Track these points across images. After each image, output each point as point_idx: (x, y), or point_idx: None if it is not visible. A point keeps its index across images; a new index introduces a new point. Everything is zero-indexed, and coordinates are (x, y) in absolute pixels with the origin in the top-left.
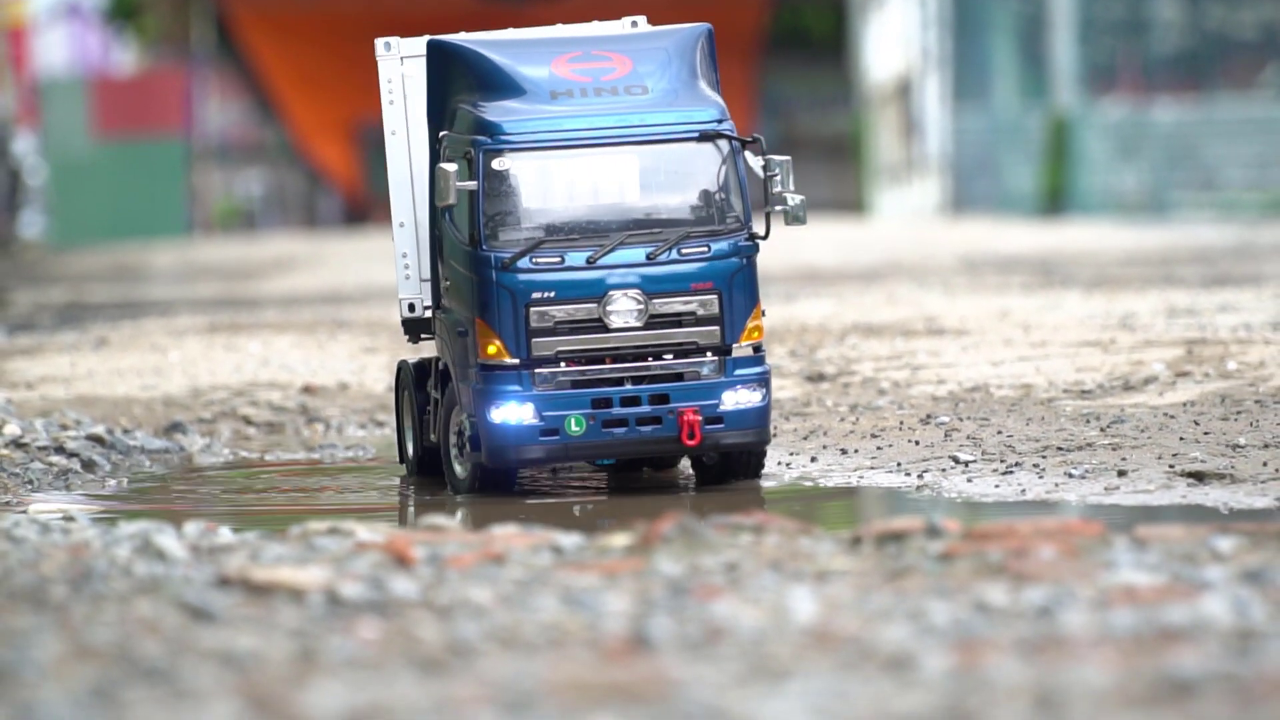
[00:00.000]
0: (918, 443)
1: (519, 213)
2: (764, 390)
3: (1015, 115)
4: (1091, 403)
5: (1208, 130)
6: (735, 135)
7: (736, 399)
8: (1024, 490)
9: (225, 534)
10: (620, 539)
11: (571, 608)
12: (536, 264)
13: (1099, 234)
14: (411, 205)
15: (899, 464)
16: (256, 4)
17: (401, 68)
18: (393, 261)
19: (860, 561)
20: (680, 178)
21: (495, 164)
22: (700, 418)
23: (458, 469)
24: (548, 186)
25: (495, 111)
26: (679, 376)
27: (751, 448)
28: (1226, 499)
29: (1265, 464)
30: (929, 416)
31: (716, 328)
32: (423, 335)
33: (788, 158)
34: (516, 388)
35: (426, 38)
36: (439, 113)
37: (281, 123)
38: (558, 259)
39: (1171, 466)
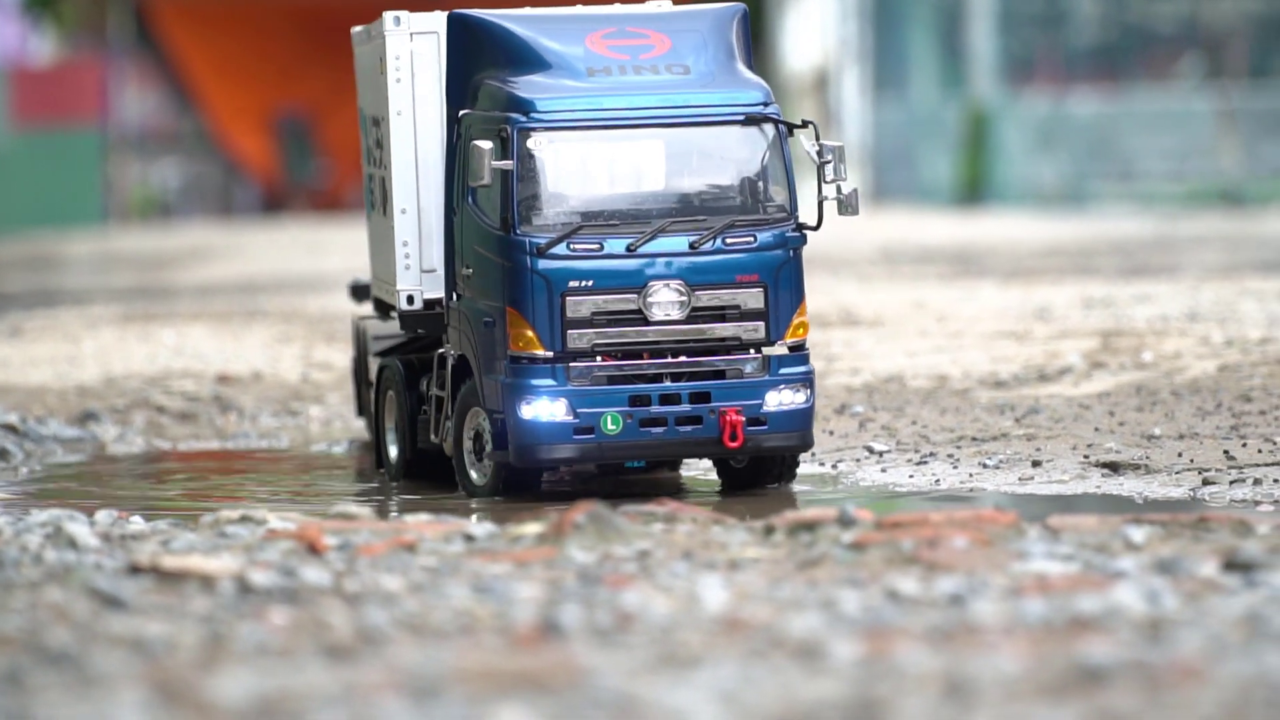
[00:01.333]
0: (832, 433)
1: (554, 196)
2: (809, 391)
3: (934, 107)
4: (1007, 393)
5: (1126, 122)
6: (782, 119)
7: (780, 399)
8: (938, 480)
9: (138, 522)
10: (532, 527)
11: (482, 596)
12: (574, 250)
13: (1017, 225)
14: (415, 190)
15: (813, 454)
16: None
17: (411, 44)
18: (313, 251)
19: (773, 550)
20: (724, 163)
21: (530, 143)
22: (743, 418)
23: (473, 473)
24: (585, 168)
25: (529, 88)
26: (720, 374)
27: (794, 451)
28: (1141, 489)
29: (1180, 454)
30: (843, 407)
31: (761, 323)
32: (420, 330)
33: (841, 144)
34: (550, 382)
35: (440, 12)
36: (460, 90)
37: (199, 112)
38: (596, 246)
39: (1086, 457)
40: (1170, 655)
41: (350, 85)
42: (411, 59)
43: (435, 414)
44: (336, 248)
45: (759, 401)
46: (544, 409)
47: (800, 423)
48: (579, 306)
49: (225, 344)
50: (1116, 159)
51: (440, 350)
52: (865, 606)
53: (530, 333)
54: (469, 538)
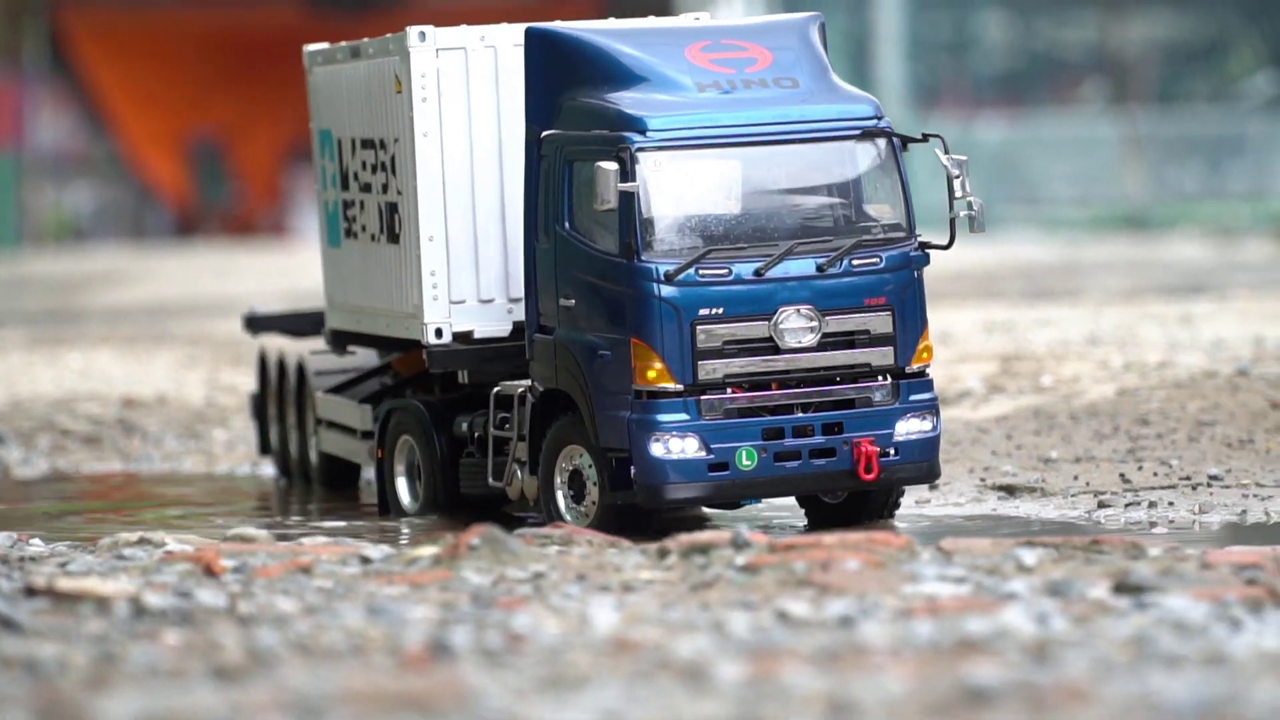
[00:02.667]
0: None
1: (676, 218)
2: (935, 418)
3: None
4: None
5: (1032, 147)
6: (898, 133)
7: (908, 428)
8: None
9: (37, 544)
10: (428, 550)
11: (374, 617)
12: (702, 276)
13: None
14: (443, 217)
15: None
16: (90, 19)
17: (437, 61)
18: (223, 275)
19: (666, 573)
20: (842, 179)
21: (650, 163)
22: (876, 449)
23: (569, 516)
24: (707, 188)
25: (640, 105)
26: (850, 403)
27: (922, 482)
28: (1037, 511)
29: (1076, 477)
30: None
31: (890, 348)
32: (451, 368)
33: (964, 157)
34: (682, 417)
35: (467, 27)
36: (543, 108)
37: (112, 137)
38: (724, 271)
39: (983, 480)
40: (1056, 676)
41: (265, 109)
42: (438, 77)
43: (492, 456)
44: (247, 272)
45: (889, 431)
46: (675, 446)
47: (929, 452)
48: (710, 336)
49: (132, 367)
50: (1023, 184)
51: (499, 388)
52: (755, 628)
53: (659, 365)
54: (365, 560)
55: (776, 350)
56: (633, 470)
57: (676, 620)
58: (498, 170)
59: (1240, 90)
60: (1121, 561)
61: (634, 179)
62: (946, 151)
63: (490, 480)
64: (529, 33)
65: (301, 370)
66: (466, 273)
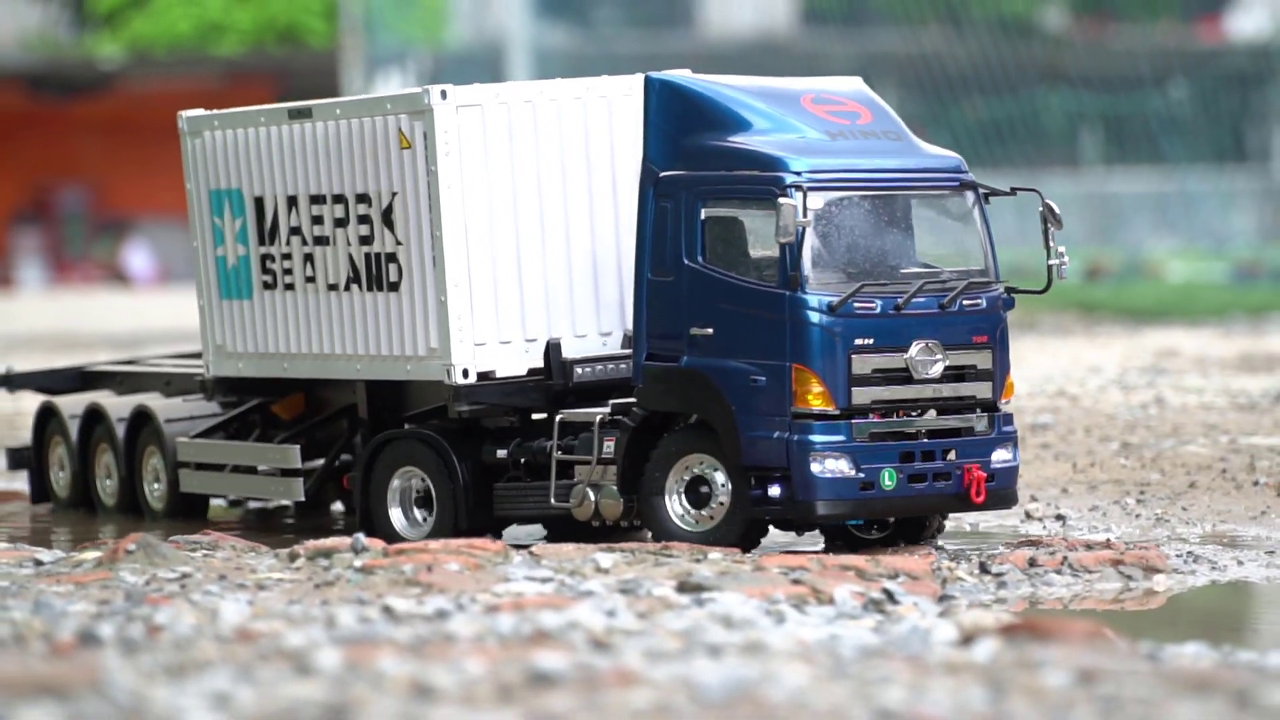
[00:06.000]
0: None
1: (823, 253)
2: (1016, 450)
3: None
4: None
5: None
6: (987, 186)
7: (1001, 456)
8: None
9: None
10: (92, 554)
11: (38, 611)
12: (858, 309)
13: None
14: (466, 264)
15: None
16: None
17: (457, 117)
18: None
19: (295, 573)
20: (943, 225)
21: (815, 202)
22: (984, 474)
23: (682, 525)
24: (845, 226)
25: (782, 147)
26: (957, 432)
27: (1006, 506)
28: None
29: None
30: None
31: (989, 383)
32: (475, 404)
33: (1059, 208)
34: (839, 438)
35: (493, 86)
36: (664, 151)
37: None
38: (872, 304)
39: None
40: (615, 662)
41: None
42: (459, 132)
43: (554, 480)
44: None
45: (988, 459)
46: (831, 465)
47: (1012, 479)
48: (863, 364)
49: None
50: None
51: (565, 415)
52: (361, 620)
53: (820, 389)
54: (38, 562)
55: (910, 380)
56: (774, 489)
57: (297, 614)
58: (513, 218)
59: None
60: (686, 564)
61: (808, 215)
62: (1044, 206)
63: (553, 501)
64: (651, 81)
65: (140, 418)
66: (488, 316)
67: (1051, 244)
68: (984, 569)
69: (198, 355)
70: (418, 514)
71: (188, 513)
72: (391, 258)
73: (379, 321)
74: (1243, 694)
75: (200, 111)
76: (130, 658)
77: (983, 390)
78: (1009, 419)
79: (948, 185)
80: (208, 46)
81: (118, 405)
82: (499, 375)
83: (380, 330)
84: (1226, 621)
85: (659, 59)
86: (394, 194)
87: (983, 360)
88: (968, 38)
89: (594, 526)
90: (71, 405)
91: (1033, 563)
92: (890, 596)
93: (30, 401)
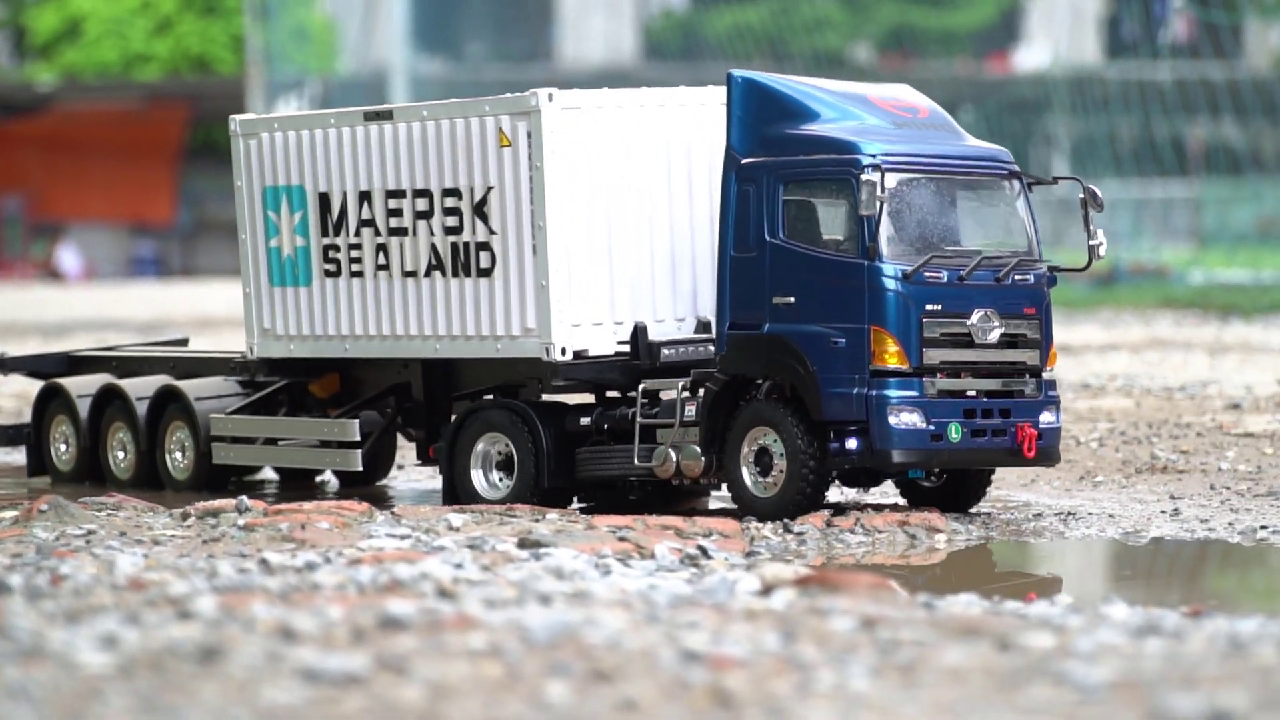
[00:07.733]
0: None
1: (901, 228)
2: (1059, 412)
3: None
4: None
5: None
6: (1030, 174)
7: (1047, 418)
8: None
9: None
10: (9, 513)
11: None
12: (928, 278)
13: None
14: (566, 253)
15: None
16: None
17: (562, 118)
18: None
19: (186, 531)
20: (994, 207)
21: (892, 181)
22: (1035, 433)
23: (755, 490)
24: (914, 204)
25: (861, 134)
26: (1011, 394)
27: (1051, 464)
28: None
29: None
30: None
31: (1037, 351)
32: (571, 380)
33: (1100, 194)
34: (913, 393)
35: (589, 91)
36: (746, 140)
37: None
38: (940, 274)
39: None
40: (457, 609)
41: None
42: (563, 132)
43: (638, 443)
44: None
45: (1036, 419)
46: (907, 418)
47: (1057, 439)
48: (933, 326)
49: None
50: None
51: (647, 384)
52: (240, 570)
53: (896, 348)
54: None
55: (972, 344)
56: (851, 442)
57: (184, 565)
58: (605, 211)
59: None
60: (527, 523)
61: (884, 193)
62: (1085, 190)
63: (636, 462)
64: (734, 78)
65: (165, 397)
66: (582, 300)
67: (1091, 226)
68: (786, 529)
69: (168, 342)
70: (496, 476)
71: (212, 485)
72: (483, 246)
73: (464, 304)
74: (1004, 638)
75: (255, 116)
76: (34, 604)
77: (1032, 357)
78: (1053, 384)
79: (998, 172)
80: (131, 73)
81: (138, 385)
82: (591, 354)
83: (467, 312)
84: (1001, 576)
85: (520, 86)
86: (489, 188)
87: (1032, 330)
88: (786, 70)
89: (673, 485)
90: (81, 386)
91: (829, 524)
92: (704, 552)
93: (11, 385)
